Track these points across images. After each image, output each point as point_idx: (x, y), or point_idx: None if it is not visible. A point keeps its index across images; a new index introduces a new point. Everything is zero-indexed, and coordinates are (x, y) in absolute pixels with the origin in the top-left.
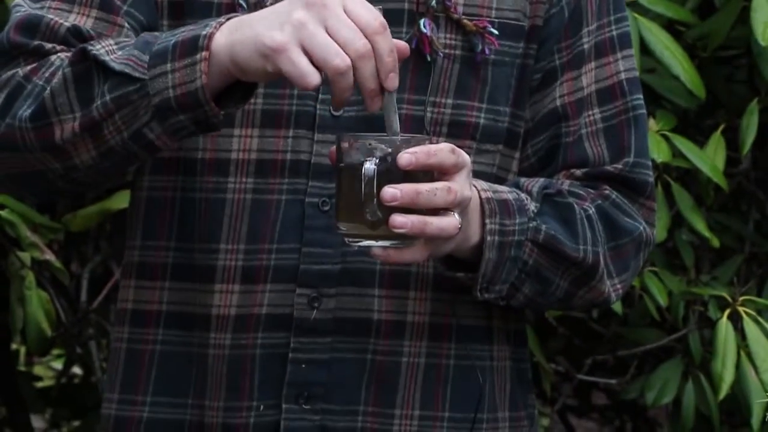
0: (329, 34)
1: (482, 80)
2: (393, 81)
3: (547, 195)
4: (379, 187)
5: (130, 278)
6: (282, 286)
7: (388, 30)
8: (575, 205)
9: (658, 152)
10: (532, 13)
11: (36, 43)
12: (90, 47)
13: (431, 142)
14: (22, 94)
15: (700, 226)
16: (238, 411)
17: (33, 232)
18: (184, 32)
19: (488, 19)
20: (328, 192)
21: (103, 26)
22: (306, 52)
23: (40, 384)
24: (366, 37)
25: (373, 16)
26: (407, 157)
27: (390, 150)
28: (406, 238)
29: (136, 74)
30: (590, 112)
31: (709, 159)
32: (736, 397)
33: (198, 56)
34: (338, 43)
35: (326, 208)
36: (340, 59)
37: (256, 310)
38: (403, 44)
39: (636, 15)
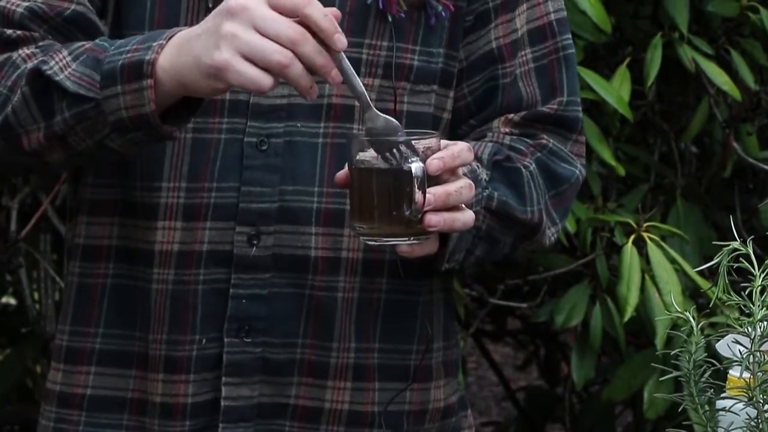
0: (261, 34)
1: (416, 23)
2: (340, 41)
3: (497, 162)
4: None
5: (82, 214)
6: (222, 224)
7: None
8: (522, 168)
9: None
10: None
11: None
12: (44, 66)
13: (437, 138)
14: None
15: (606, 155)
16: (181, 344)
17: None
18: (130, 53)
19: None
20: (266, 132)
21: None
22: (249, 60)
23: None
24: (296, 17)
25: None
26: (436, 163)
27: (414, 150)
28: (428, 234)
29: (90, 94)
30: (523, 53)
31: (615, 91)
32: (641, 318)
33: (144, 83)
34: (271, 39)
35: (264, 148)
36: (280, 55)
37: (198, 247)
38: (333, 9)
39: None
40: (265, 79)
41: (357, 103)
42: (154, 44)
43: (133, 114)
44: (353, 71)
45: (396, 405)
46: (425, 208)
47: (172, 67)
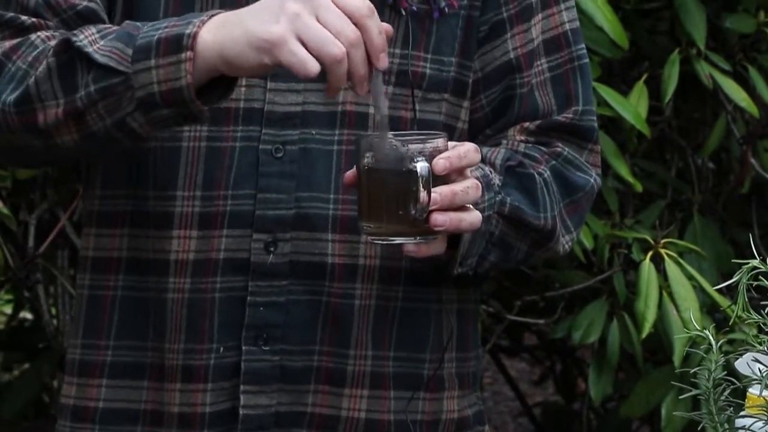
0: (321, 24)
1: (427, 32)
2: (384, 60)
3: (510, 167)
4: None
5: (90, 227)
6: (239, 231)
7: (376, 13)
8: (535, 175)
9: None
10: None
11: (11, 14)
12: (73, 38)
13: (444, 139)
14: (4, 74)
15: (624, 171)
16: (198, 353)
17: None
18: (167, 28)
19: None
20: (281, 139)
21: None
22: (302, 43)
23: None
24: (355, 22)
25: (361, 1)
26: (442, 163)
27: (422, 150)
28: (435, 234)
29: (120, 68)
30: (539, 62)
31: (632, 107)
32: (659, 335)
33: (183, 55)
34: (331, 32)
35: (279, 155)
36: (337, 48)
37: (214, 255)
38: (387, 26)
39: None
40: (314, 64)
41: (371, 111)
42: (196, 20)
43: (165, 89)
44: (383, 92)
45: (409, 414)
46: (431, 208)
47: (215, 40)
